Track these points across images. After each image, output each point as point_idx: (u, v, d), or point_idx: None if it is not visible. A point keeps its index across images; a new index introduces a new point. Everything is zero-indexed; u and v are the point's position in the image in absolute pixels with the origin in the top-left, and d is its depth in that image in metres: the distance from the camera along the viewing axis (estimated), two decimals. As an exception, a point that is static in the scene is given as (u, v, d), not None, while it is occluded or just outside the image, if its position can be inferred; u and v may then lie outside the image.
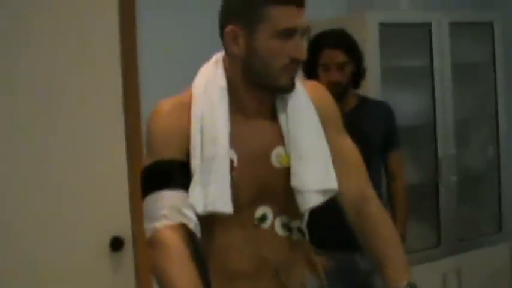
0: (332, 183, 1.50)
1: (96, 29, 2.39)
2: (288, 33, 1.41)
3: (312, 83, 1.66)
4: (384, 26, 2.91)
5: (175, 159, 1.44)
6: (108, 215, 2.42)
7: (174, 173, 1.43)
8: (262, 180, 1.48)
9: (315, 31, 2.72)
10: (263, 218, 1.50)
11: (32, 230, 2.29)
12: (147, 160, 1.47)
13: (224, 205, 1.42)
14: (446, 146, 3.18)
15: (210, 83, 1.49)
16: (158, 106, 1.50)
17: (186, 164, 1.45)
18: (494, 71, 3.37)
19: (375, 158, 2.56)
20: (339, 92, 2.48)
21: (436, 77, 3.15)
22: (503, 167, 3.43)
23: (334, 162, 1.52)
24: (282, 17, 1.40)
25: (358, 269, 2.50)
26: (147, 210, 1.44)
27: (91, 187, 2.40)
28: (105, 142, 2.43)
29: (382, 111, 2.65)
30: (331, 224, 2.00)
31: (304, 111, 1.52)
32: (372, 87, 2.82)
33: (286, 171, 1.49)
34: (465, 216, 3.30)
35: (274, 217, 1.51)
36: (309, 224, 1.61)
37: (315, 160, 1.49)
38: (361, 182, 1.56)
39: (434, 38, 3.13)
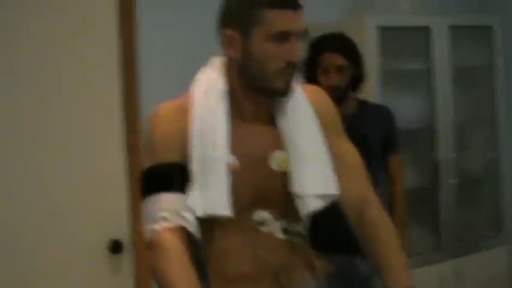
0: (332, 188, 1.51)
1: (95, 28, 2.39)
2: (284, 37, 1.41)
3: (312, 87, 1.66)
4: (383, 30, 2.91)
5: (175, 162, 1.45)
6: (107, 218, 2.41)
7: (173, 175, 1.44)
8: (262, 184, 1.48)
9: (314, 34, 2.72)
10: (262, 221, 1.50)
11: (29, 232, 2.28)
12: (145, 162, 1.47)
13: (223, 208, 1.43)
14: (445, 150, 3.19)
15: (209, 87, 1.49)
16: (158, 110, 1.50)
17: (185, 167, 1.45)
18: (494, 74, 3.38)
19: (374, 162, 2.56)
20: (338, 96, 2.48)
21: (436, 80, 3.16)
22: (502, 170, 3.44)
23: (334, 166, 1.52)
24: (277, 20, 1.40)
25: (359, 272, 2.50)
26: (146, 213, 1.45)
27: (90, 189, 2.39)
28: (104, 144, 2.43)
29: (382, 114, 2.65)
30: (331, 227, 2.00)
31: (304, 115, 1.52)
32: (371, 90, 2.82)
33: (286, 175, 1.49)
34: (464, 219, 3.31)
35: (274, 221, 1.51)
36: (309, 227, 1.61)
37: (314, 164, 1.50)
38: (362, 186, 1.57)
39: (433, 42, 3.14)
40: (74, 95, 2.36)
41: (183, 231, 1.41)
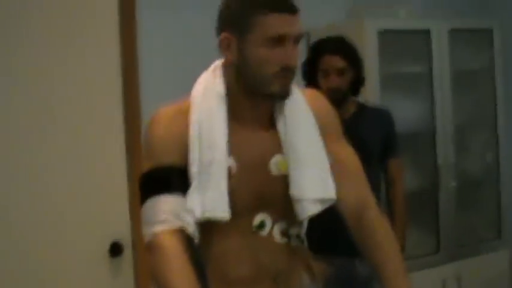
0: (330, 192, 1.51)
1: (95, 28, 2.40)
2: (279, 40, 1.41)
3: (311, 91, 1.66)
4: (383, 33, 2.92)
5: (174, 165, 1.45)
6: (107, 220, 2.42)
7: (172, 178, 1.44)
8: (261, 188, 1.49)
9: (314, 38, 2.74)
10: (261, 225, 1.51)
11: (30, 235, 2.28)
12: (145, 166, 1.48)
13: (221, 211, 1.43)
14: (445, 152, 3.19)
15: (208, 91, 1.50)
16: (157, 113, 1.51)
17: (184, 170, 1.45)
18: (493, 77, 3.39)
19: (374, 165, 2.57)
20: (338, 98, 2.49)
21: (436, 83, 3.16)
22: (502, 173, 3.44)
23: (333, 169, 1.53)
24: (271, 24, 1.40)
25: (358, 275, 2.50)
26: (145, 215, 1.46)
27: (90, 192, 2.39)
28: (104, 146, 2.43)
29: (382, 118, 2.66)
30: (330, 230, 2.01)
31: (303, 119, 1.53)
32: (371, 93, 2.83)
33: (285, 179, 1.49)
34: (464, 222, 3.31)
35: (273, 224, 1.52)
36: (308, 230, 1.61)
37: (313, 168, 1.50)
38: (360, 190, 1.57)
39: (433, 45, 3.14)
40: (75, 97, 2.37)
41: (182, 233, 1.42)
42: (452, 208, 3.22)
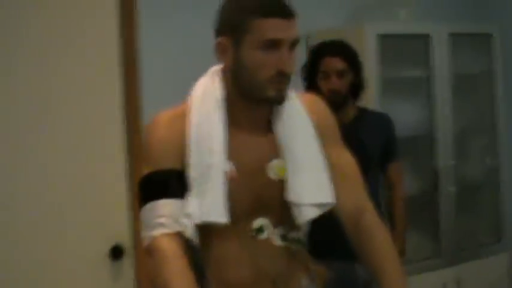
0: (328, 197, 1.51)
1: (96, 29, 2.41)
2: (273, 45, 1.41)
3: (309, 96, 1.66)
4: (383, 37, 2.93)
5: (173, 169, 1.45)
6: (108, 224, 2.43)
7: (171, 182, 1.44)
8: (259, 192, 1.49)
9: (314, 42, 2.75)
10: (261, 229, 1.51)
11: (31, 238, 2.29)
12: (144, 170, 1.48)
13: (219, 216, 1.43)
14: (445, 157, 3.20)
15: (207, 95, 1.50)
16: (155, 118, 1.51)
17: (183, 173, 1.46)
18: (493, 81, 3.39)
19: (373, 169, 2.58)
20: (339, 101, 2.50)
21: (435, 87, 3.17)
22: (502, 177, 3.45)
23: (331, 174, 1.53)
24: (266, 28, 1.40)
25: (357, 279, 2.50)
26: (144, 219, 1.45)
27: (91, 196, 2.40)
28: (105, 150, 2.44)
29: (381, 122, 2.67)
30: (330, 234, 2.01)
31: (300, 123, 1.53)
32: (371, 98, 2.83)
33: (283, 183, 1.49)
34: (464, 226, 3.31)
35: (272, 228, 1.52)
36: (308, 233, 1.61)
37: (311, 173, 1.50)
38: (358, 195, 1.56)
39: (433, 49, 3.15)
40: (75, 100, 2.37)
41: (181, 237, 1.42)
42: (452, 212, 3.22)
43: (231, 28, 1.44)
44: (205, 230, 1.46)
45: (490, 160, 3.46)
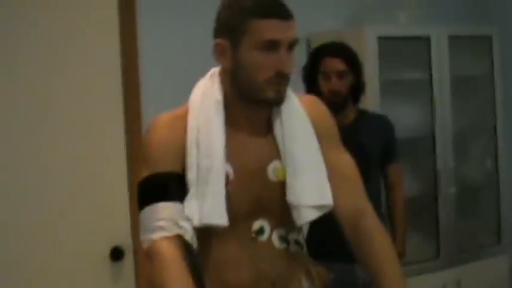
0: (328, 199, 1.51)
1: (96, 29, 2.41)
2: (271, 46, 1.41)
3: (309, 97, 1.66)
4: (383, 40, 2.93)
5: (172, 172, 1.45)
6: (108, 225, 2.43)
7: (170, 185, 1.44)
8: (259, 194, 1.49)
9: (314, 44, 2.76)
10: (260, 231, 1.51)
11: (31, 239, 2.29)
12: (143, 172, 1.47)
13: (219, 218, 1.43)
14: (445, 158, 3.20)
15: (206, 97, 1.50)
16: (155, 120, 1.51)
17: (182, 176, 1.46)
18: (493, 83, 3.40)
19: (373, 170, 2.58)
20: (338, 102, 2.51)
21: (435, 89, 3.17)
22: (502, 179, 3.45)
23: (330, 176, 1.52)
24: (264, 29, 1.40)
25: (358, 280, 2.51)
26: (143, 222, 1.45)
27: (91, 197, 2.41)
28: (105, 152, 2.44)
29: (381, 124, 2.68)
30: (330, 236, 2.01)
31: (300, 125, 1.53)
32: (371, 100, 2.84)
33: (283, 185, 1.49)
34: (464, 228, 3.31)
35: (272, 230, 1.52)
36: (308, 235, 1.62)
37: (310, 174, 1.50)
38: (357, 197, 1.56)
39: (433, 52, 3.15)
40: (75, 102, 2.38)
41: (180, 240, 1.42)
42: (451, 213, 3.23)
43: (229, 29, 1.44)
44: (205, 232, 1.46)
45: (489, 162, 3.46)
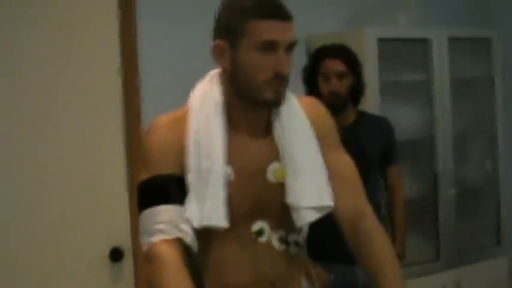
0: (327, 200, 1.51)
1: (96, 29, 2.41)
2: (270, 47, 1.40)
3: (308, 99, 1.66)
4: (383, 42, 2.94)
5: (172, 174, 1.44)
6: (108, 226, 2.43)
7: (170, 187, 1.44)
8: (259, 195, 1.49)
9: (314, 46, 2.76)
10: (260, 232, 1.51)
11: (31, 240, 2.30)
12: (143, 175, 1.47)
13: (219, 220, 1.43)
14: (444, 160, 3.21)
15: (206, 98, 1.50)
16: (154, 122, 1.50)
17: (182, 179, 1.45)
18: (493, 86, 3.41)
19: (373, 172, 2.59)
20: (338, 103, 2.52)
21: (435, 91, 3.18)
22: (501, 180, 3.46)
23: (330, 178, 1.52)
24: (263, 30, 1.39)
25: (357, 281, 2.51)
26: (143, 225, 1.45)
27: (91, 198, 2.41)
28: (105, 154, 2.44)
29: (381, 126, 2.68)
30: (330, 237, 2.01)
31: (299, 126, 1.53)
32: (371, 101, 2.84)
33: (283, 186, 1.49)
34: (464, 229, 3.32)
35: (272, 231, 1.51)
36: (308, 236, 1.62)
37: (310, 176, 1.50)
38: (357, 198, 1.56)
39: (433, 54, 3.16)
40: (75, 103, 2.38)
41: (180, 243, 1.42)
42: (451, 215, 3.23)
43: (227, 30, 1.43)
44: (205, 233, 1.46)
45: (489, 163, 3.47)
